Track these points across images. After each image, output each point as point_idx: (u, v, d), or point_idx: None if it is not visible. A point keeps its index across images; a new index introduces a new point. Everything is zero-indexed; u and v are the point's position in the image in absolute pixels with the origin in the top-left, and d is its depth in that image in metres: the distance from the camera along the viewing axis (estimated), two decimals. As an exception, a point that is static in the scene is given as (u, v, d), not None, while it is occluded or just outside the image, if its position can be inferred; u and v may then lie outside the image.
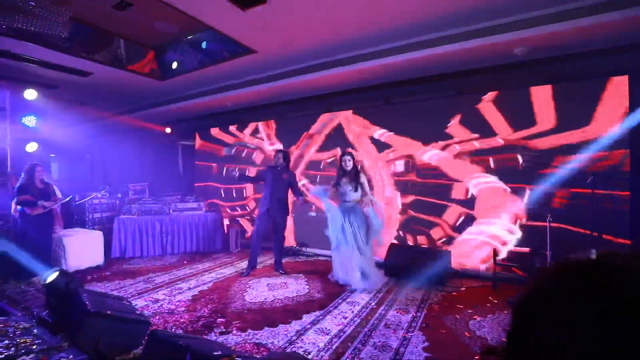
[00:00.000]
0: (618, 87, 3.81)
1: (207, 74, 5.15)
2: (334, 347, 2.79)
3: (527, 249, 4.21)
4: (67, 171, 9.11)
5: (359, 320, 3.31)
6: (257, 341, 2.87)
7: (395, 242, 5.12)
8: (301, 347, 2.77)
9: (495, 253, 4.20)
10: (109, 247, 5.57)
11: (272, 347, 2.78)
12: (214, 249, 6.20)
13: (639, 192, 3.70)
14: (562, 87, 4.11)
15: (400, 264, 4.58)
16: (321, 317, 3.38)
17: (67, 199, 4.97)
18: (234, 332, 3.05)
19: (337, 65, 4.55)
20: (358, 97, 5.52)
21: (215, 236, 6.31)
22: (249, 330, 3.07)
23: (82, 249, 5.04)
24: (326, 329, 3.12)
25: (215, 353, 1.98)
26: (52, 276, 2.73)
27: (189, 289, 4.23)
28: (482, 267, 4.54)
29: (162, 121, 7.53)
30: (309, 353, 2.68)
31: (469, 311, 3.49)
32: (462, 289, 4.17)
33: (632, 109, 3.72)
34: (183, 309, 3.59)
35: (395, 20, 3.65)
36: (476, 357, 2.62)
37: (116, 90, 5.97)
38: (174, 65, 5.06)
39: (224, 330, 3.08)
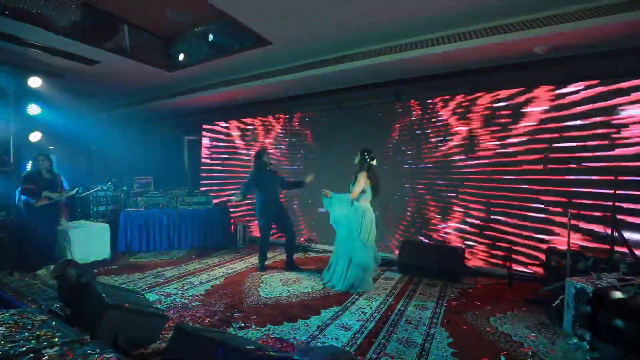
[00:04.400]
0: None
1: (215, 66, 5.02)
2: (358, 342, 2.73)
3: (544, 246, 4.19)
4: (66, 163, 8.90)
5: (378, 315, 3.26)
6: (279, 336, 2.81)
7: (409, 239, 5.07)
8: (325, 343, 2.71)
9: (511, 251, 4.18)
10: (115, 240, 5.45)
11: (295, 343, 2.71)
12: (222, 244, 6.09)
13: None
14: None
15: (414, 261, 4.54)
16: (340, 312, 3.33)
17: (74, 191, 4.82)
18: (254, 327, 2.98)
19: (356, 60, 4.45)
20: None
21: (223, 231, 6.22)
22: (269, 325, 3.00)
23: (88, 241, 4.92)
24: (347, 324, 3.06)
25: (248, 347, 1.91)
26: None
27: (201, 283, 4.14)
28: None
29: (168, 114, 7.38)
30: (334, 348, 2.62)
31: (488, 308, 3.45)
32: (477, 286, 4.14)
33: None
34: (197, 303, 3.51)
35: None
36: (503, 353, 2.58)
37: (123, 81, 5.81)
38: (182, 56, 4.93)
39: (242, 325, 3.00)
